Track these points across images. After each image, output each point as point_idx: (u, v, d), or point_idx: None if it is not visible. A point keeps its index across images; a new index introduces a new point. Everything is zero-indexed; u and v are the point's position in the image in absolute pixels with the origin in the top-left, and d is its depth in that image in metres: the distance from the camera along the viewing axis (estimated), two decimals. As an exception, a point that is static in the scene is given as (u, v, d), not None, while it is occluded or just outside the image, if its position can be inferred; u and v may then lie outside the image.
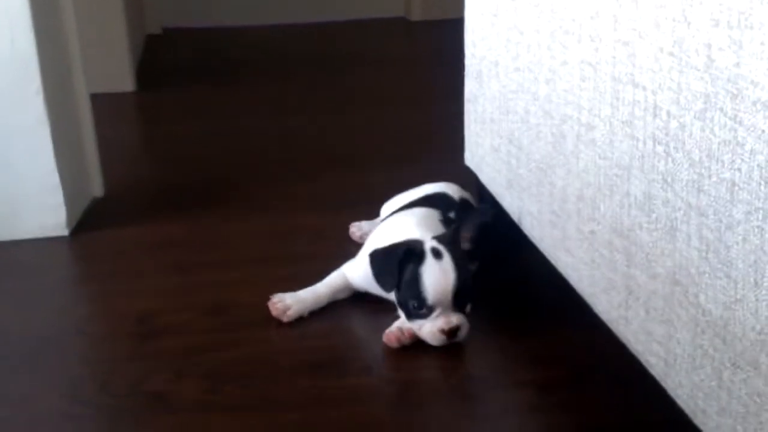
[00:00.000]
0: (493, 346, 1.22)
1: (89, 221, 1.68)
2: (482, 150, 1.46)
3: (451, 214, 1.36)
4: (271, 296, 1.27)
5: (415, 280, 1.15)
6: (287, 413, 1.07)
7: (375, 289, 1.24)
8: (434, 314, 1.15)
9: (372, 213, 1.57)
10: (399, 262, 1.17)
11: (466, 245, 1.23)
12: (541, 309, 1.31)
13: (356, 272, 1.30)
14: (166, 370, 1.16)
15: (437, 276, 1.15)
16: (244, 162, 2.07)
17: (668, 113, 0.80)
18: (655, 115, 0.83)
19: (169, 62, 3.29)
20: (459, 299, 1.16)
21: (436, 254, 1.17)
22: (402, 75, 3.06)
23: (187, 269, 1.48)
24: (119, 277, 1.46)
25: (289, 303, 1.26)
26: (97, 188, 1.80)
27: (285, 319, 1.25)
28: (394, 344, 1.18)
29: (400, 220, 1.33)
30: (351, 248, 1.43)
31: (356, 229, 1.54)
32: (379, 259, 1.20)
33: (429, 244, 1.18)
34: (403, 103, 2.63)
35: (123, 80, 2.71)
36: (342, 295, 1.31)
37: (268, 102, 2.66)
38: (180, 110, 2.59)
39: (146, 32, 3.57)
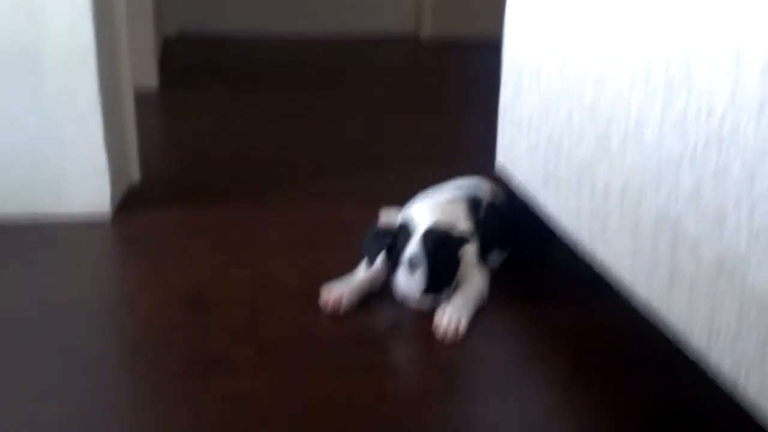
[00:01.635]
0: (520, 322, 1.30)
1: (128, 204, 1.76)
2: (517, 151, 1.55)
3: (480, 193, 1.47)
4: (321, 288, 1.33)
5: (394, 277, 1.31)
6: (337, 381, 1.14)
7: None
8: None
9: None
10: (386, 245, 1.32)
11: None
12: (571, 298, 1.39)
13: None
14: (221, 338, 1.23)
15: (406, 284, 1.29)
16: (263, 159, 2.15)
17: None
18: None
19: (184, 64, 3.39)
20: (430, 291, 1.28)
21: (411, 266, 1.28)
22: (417, 88, 3.16)
23: (226, 248, 1.55)
24: (165, 254, 1.54)
25: (340, 293, 1.31)
26: (134, 174, 1.88)
27: (342, 311, 1.31)
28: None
29: (422, 205, 1.42)
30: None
31: (385, 216, 1.62)
32: (368, 236, 1.35)
33: (411, 250, 1.28)
34: (420, 112, 2.73)
35: (148, 78, 2.78)
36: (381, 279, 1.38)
37: (277, 105, 2.75)
38: (195, 109, 2.68)
39: (163, 35, 3.65)
